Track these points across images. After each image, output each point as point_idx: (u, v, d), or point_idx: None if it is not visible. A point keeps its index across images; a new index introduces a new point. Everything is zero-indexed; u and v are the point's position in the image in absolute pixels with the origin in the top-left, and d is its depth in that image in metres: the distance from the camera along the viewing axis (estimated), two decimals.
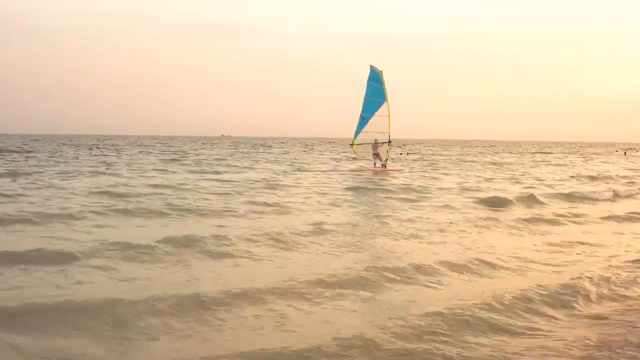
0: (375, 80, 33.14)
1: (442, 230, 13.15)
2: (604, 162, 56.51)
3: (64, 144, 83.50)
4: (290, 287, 7.89)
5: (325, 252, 10.51)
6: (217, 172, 31.03)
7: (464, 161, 52.47)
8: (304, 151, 74.87)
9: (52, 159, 42.02)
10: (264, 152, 66.28)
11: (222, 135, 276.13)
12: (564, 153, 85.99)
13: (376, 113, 33.24)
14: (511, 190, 23.05)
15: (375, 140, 33.65)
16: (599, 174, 34.66)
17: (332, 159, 51.85)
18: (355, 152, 34.99)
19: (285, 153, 65.72)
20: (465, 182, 26.84)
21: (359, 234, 12.43)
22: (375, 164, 34.30)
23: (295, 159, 49.81)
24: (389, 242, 11.77)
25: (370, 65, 33.21)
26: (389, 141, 34.07)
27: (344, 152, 70.96)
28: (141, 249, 9.84)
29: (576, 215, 16.45)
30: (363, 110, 33.21)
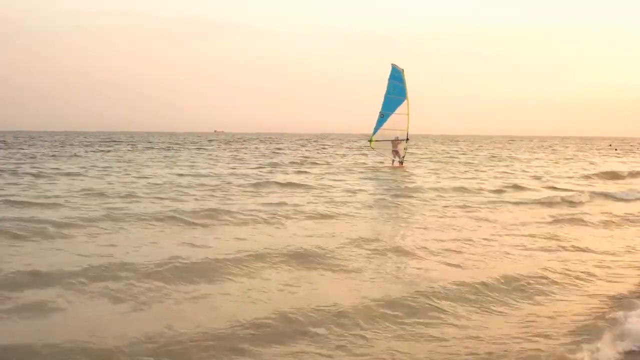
0: (397, 78, 33.28)
1: (488, 240, 11.57)
2: (604, 156, 56.81)
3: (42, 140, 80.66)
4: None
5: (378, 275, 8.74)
6: (210, 167, 30.48)
7: (466, 154, 52.77)
8: (302, 146, 73.66)
9: (42, 155, 41.21)
10: (262, 148, 64.61)
11: (215, 131, 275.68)
12: (565, 147, 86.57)
13: (396, 111, 33.43)
14: (534, 188, 22.55)
15: (396, 137, 33.82)
16: (616, 170, 33.75)
17: (336, 154, 51.47)
18: (373, 149, 35.15)
19: (279, 148, 64.21)
20: (485, 180, 26.11)
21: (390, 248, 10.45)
22: (393, 161, 34.54)
23: (297, 156, 48.67)
24: (427, 261, 9.68)
25: (392, 64, 33.32)
26: (407, 139, 34.36)
27: (346, 147, 70.94)
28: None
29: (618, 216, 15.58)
30: (383, 108, 33.29)
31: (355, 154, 51.30)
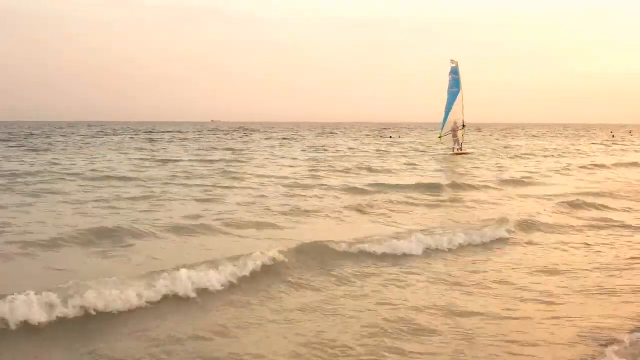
0: (455, 72, 35.49)
1: None
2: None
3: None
4: None
5: None
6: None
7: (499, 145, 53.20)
8: (317, 137, 67.76)
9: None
10: (278, 139, 60.47)
11: (211, 121, 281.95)
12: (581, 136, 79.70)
13: (455, 102, 35.71)
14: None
15: (455, 123, 35.78)
16: None
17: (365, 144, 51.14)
18: (442, 144, 37.36)
19: (286, 140, 60.29)
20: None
21: None
22: (453, 149, 36.84)
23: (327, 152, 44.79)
24: None
25: (451, 60, 35.53)
26: (463, 126, 36.59)
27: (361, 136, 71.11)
28: None
29: None
30: (448, 103, 35.50)
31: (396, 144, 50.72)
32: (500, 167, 27.87)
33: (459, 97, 35.57)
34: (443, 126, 35.86)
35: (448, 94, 35.47)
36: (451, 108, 35.41)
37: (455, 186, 18.82)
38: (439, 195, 16.76)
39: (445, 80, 35.83)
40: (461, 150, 36.44)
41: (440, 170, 26.36)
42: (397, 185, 18.74)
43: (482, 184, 19.85)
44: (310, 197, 15.71)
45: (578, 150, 45.55)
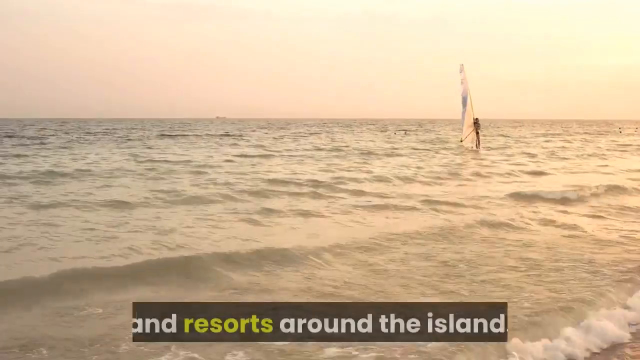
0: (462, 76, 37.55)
1: None
2: None
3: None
4: None
5: None
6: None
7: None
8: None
9: None
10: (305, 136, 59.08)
11: (217, 117, 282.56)
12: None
13: (467, 104, 37.73)
14: None
15: (476, 118, 37.79)
16: None
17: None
18: (465, 146, 39.12)
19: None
20: None
21: None
22: (477, 144, 38.48)
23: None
24: None
25: (460, 65, 37.74)
26: (475, 122, 38.41)
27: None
28: None
29: None
30: (462, 106, 37.75)
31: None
32: None
33: (469, 100, 37.44)
34: (463, 129, 37.83)
35: (461, 99, 37.42)
36: (465, 110, 37.32)
37: None
38: None
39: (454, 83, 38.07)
40: (477, 146, 38.33)
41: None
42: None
43: None
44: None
45: None
